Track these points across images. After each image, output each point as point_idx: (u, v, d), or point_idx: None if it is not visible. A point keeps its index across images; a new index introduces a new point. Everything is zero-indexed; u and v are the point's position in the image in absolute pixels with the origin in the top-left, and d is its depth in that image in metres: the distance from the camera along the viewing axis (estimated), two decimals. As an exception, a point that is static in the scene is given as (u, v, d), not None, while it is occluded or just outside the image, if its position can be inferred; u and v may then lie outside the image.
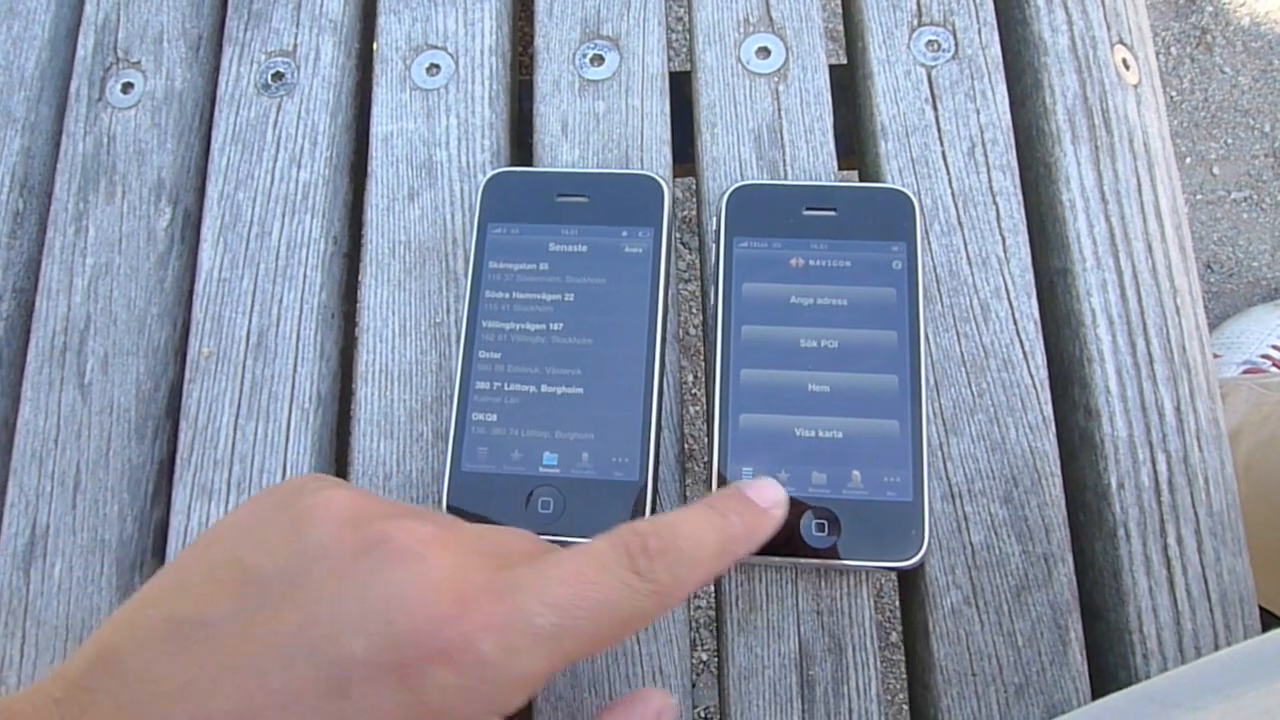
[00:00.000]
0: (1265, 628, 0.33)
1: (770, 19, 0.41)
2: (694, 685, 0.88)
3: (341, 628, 0.22)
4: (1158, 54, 1.04)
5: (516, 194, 0.38)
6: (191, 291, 0.40)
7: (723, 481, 0.34)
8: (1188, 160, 1.01)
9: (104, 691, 0.22)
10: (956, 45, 0.40)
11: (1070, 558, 0.35)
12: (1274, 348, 0.87)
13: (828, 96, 0.40)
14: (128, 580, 0.38)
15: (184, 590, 0.24)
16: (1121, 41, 0.41)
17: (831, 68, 0.41)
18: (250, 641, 0.22)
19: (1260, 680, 0.29)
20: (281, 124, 0.42)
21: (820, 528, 0.33)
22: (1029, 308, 0.37)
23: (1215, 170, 1.01)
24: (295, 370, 0.39)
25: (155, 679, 0.22)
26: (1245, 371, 0.86)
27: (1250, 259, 0.99)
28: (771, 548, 0.34)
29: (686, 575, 0.26)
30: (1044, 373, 0.36)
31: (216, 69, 0.44)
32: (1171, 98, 1.03)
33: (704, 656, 0.88)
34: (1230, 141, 1.01)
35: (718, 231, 0.37)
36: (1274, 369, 0.85)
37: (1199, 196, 1.00)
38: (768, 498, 0.29)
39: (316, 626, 0.22)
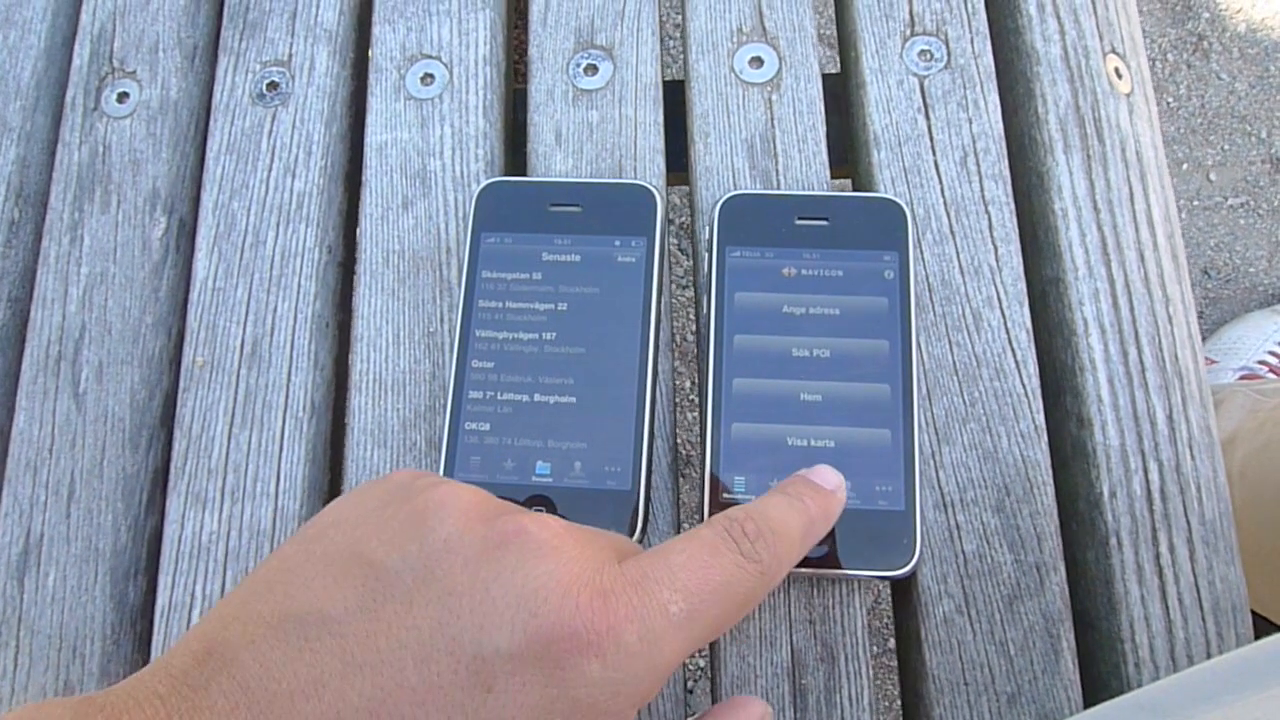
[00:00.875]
0: (1261, 634, 0.33)
1: (763, 29, 0.41)
2: (690, 692, 0.88)
3: (483, 621, 0.22)
4: (1154, 61, 1.04)
5: (510, 203, 0.38)
6: (186, 300, 0.41)
7: (715, 489, 0.34)
8: (1184, 166, 1.01)
9: (217, 689, 0.21)
10: (949, 55, 0.40)
11: (1062, 566, 0.35)
12: (1271, 354, 0.87)
13: (820, 106, 0.40)
14: (121, 589, 0.38)
15: (296, 585, 0.23)
16: (1114, 51, 0.41)
17: (825, 77, 0.41)
18: (380, 638, 0.22)
19: (1252, 688, 0.29)
20: (276, 133, 0.42)
21: (812, 537, 0.33)
22: (1021, 317, 0.37)
23: (1212, 176, 1.01)
24: (289, 379, 0.39)
25: (275, 677, 0.21)
26: (1242, 377, 0.86)
27: (1247, 265, 0.99)
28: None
29: (784, 554, 0.27)
30: (1036, 382, 0.36)
31: (212, 79, 0.44)
32: (1168, 104, 1.03)
33: (700, 664, 0.88)
34: (1227, 148, 1.01)
35: (710, 240, 0.37)
36: (1271, 375, 0.85)
37: (1196, 203, 1.01)
38: (831, 481, 0.30)
39: (456, 620, 0.22)
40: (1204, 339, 0.95)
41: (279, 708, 0.21)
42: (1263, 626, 0.59)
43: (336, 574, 0.23)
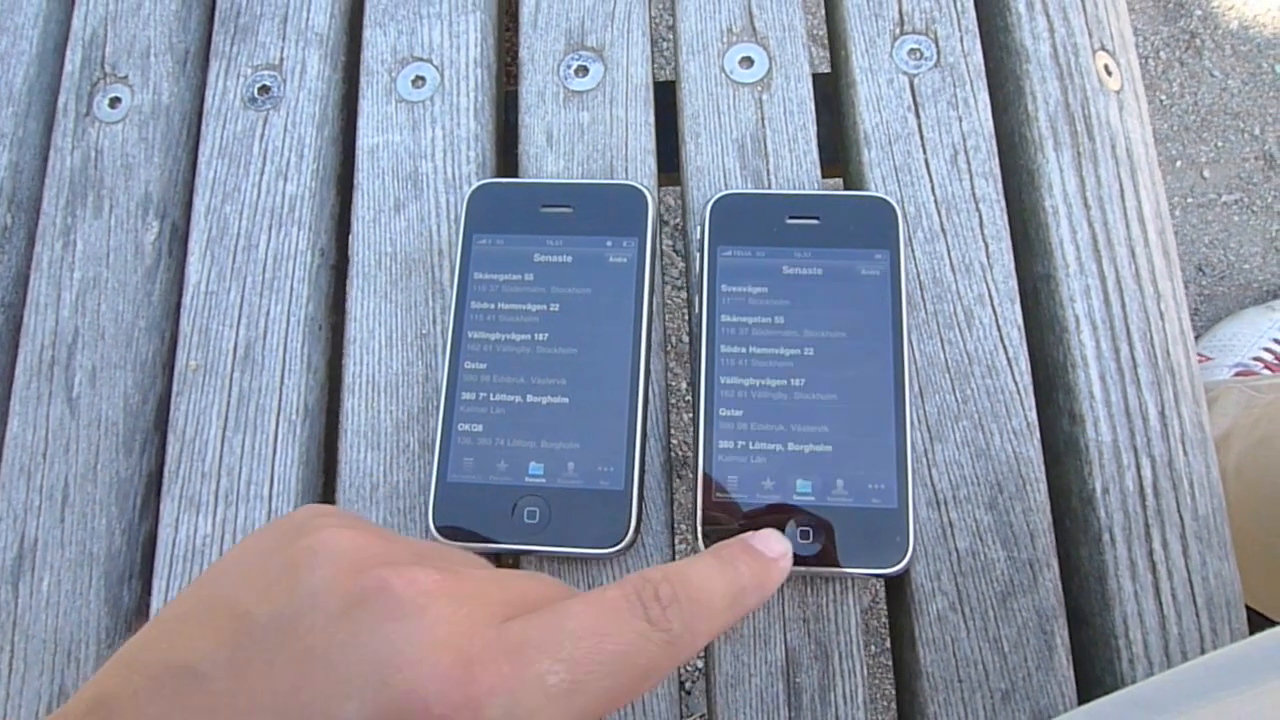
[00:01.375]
0: (1255, 630, 0.33)
1: (753, 29, 0.42)
2: (688, 692, 0.88)
3: (335, 689, 0.21)
4: (1147, 58, 1.04)
5: (501, 205, 0.38)
6: (179, 304, 0.41)
7: (708, 490, 0.34)
8: (1178, 164, 1.02)
9: None
10: (939, 53, 0.41)
11: (1056, 563, 0.35)
12: (1266, 350, 0.87)
13: (811, 105, 0.40)
14: (116, 593, 0.38)
15: (179, 634, 0.23)
16: (1103, 48, 0.41)
17: (815, 76, 0.41)
18: (241, 697, 0.21)
19: (1246, 684, 0.29)
20: (268, 137, 0.42)
21: (805, 535, 0.34)
22: (1012, 314, 0.37)
23: (1206, 173, 1.01)
24: (282, 382, 0.39)
25: None
26: (1237, 374, 0.86)
27: (1241, 261, 0.99)
28: (757, 556, 0.34)
29: (698, 625, 0.24)
30: (1028, 379, 0.36)
31: (203, 83, 0.44)
32: (1161, 101, 1.03)
33: (698, 664, 0.88)
34: (1220, 145, 1.02)
35: (702, 240, 0.37)
36: (1266, 371, 0.85)
37: (1190, 200, 1.01)
38: (774, 549, 0.28)
39: (311, 685, 0.21)
40: (1199, 336, 0.95)
41: None
42: (1257, 622, 0.59)
43: (213, 624, 0.23)
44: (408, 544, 0.25)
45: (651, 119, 0.41)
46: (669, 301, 0.92)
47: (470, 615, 0.22)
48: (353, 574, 0.23)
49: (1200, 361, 0.89)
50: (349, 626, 0.21)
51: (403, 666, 0.21)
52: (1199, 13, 1.05)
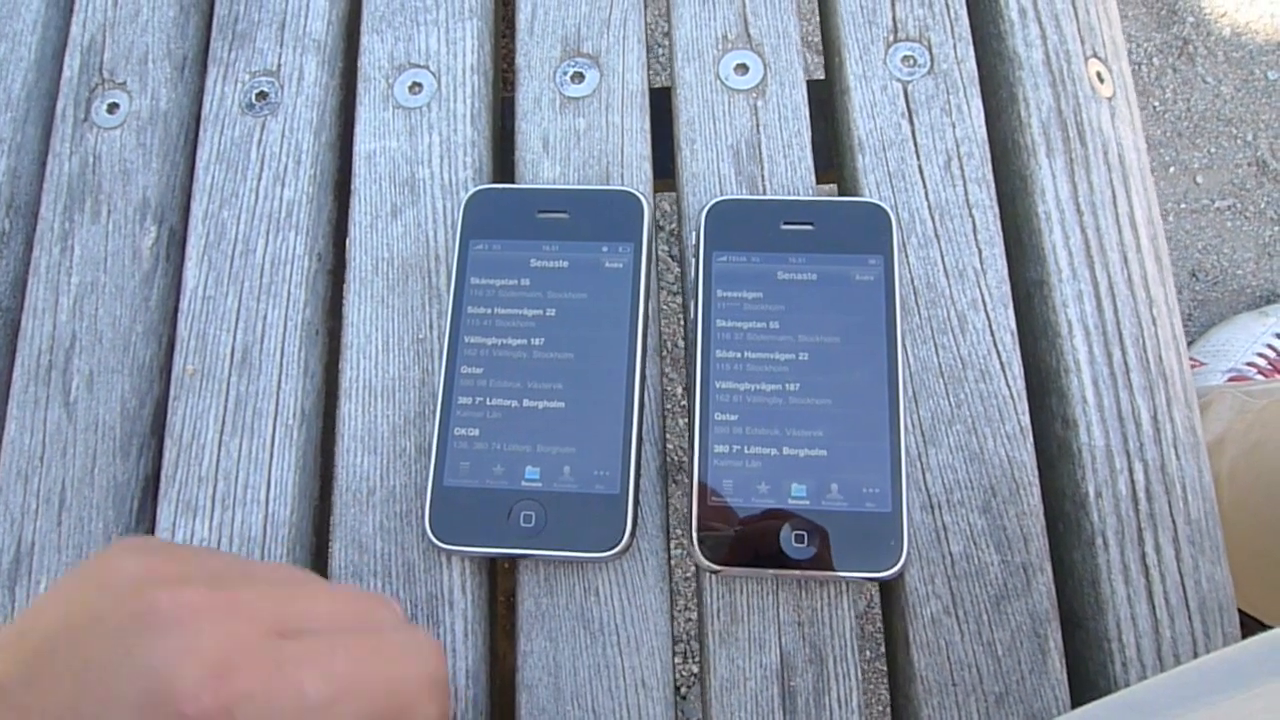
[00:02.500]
0: (1249, 634, 0.33)
1: (748, 36, 0.42)
2: (684, 697, 0.88)
3: (106, 705, 0.22)
4: (1140, 65, 1.05)
5: (498, 210, 0.39)
6: (176, 309, 0.41)
7: (703, 494, 0.35)
8: (1171, 170, 1.02)
9: None
10: (932, 60, 0.41)
11: (1049, 567, 0.35)
12: (1259, 355, 0.87)
13: (805, 112, 0.41)
14: (112, 598, 0.38)
15: (6, 650, 0.24)
16: (1095, 55, 0.41)
17: (810, 83, 0.42)
18: (34, 709, 0.23)
19: (1238, 687, 0.29)
20: (266, 143, 0.42)
21: (800, 539, 0.34)
22: (1006, 319, 0.37)
23: (1199, 179, 1.01)
24: (279, 387, 0.39)
25: None
26: (1231, 379, 0.86)
27: (1235, 267, 0.99)
28: (752, 559, 0.34)
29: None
30: (1021, 383, 0.37)
31: (201, 89, 0.44)
32: (1154, 108, 1.04)
33: (694, 669, 0.88)
34: (1213, 151, 1.02)
35: (697, 246, 0.38)
36: (1259, 376, 0.86)
37: (1183, 205, 1.01)
38: None
39: (85, 702, 0.22)
40: (1192, 341, 0.95)
41: None
42: (1251, 627, 0.60)
43: (18, 646, 0.24)
44: (214, 563, 0.27)
45: (647, 125, 0.41)
46: (665, 307, 0.92)
47: (236, 630, 0.24)
48: (130, 595, 0.24)
49: (1194, 367, 0.89)
50: (122, 643, 0.23)
51: (166, 678, 0.22)
52: (1191, 20, 1.06)
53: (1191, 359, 0.91)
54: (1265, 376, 0.86)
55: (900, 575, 0.34)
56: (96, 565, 0.26)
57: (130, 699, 0.22)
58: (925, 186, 0.39)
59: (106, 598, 0.24)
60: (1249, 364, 0.86)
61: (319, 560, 0.39)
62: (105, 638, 0.23)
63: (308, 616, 0.26)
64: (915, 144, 0.40)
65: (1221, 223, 1.00)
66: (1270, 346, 0.88)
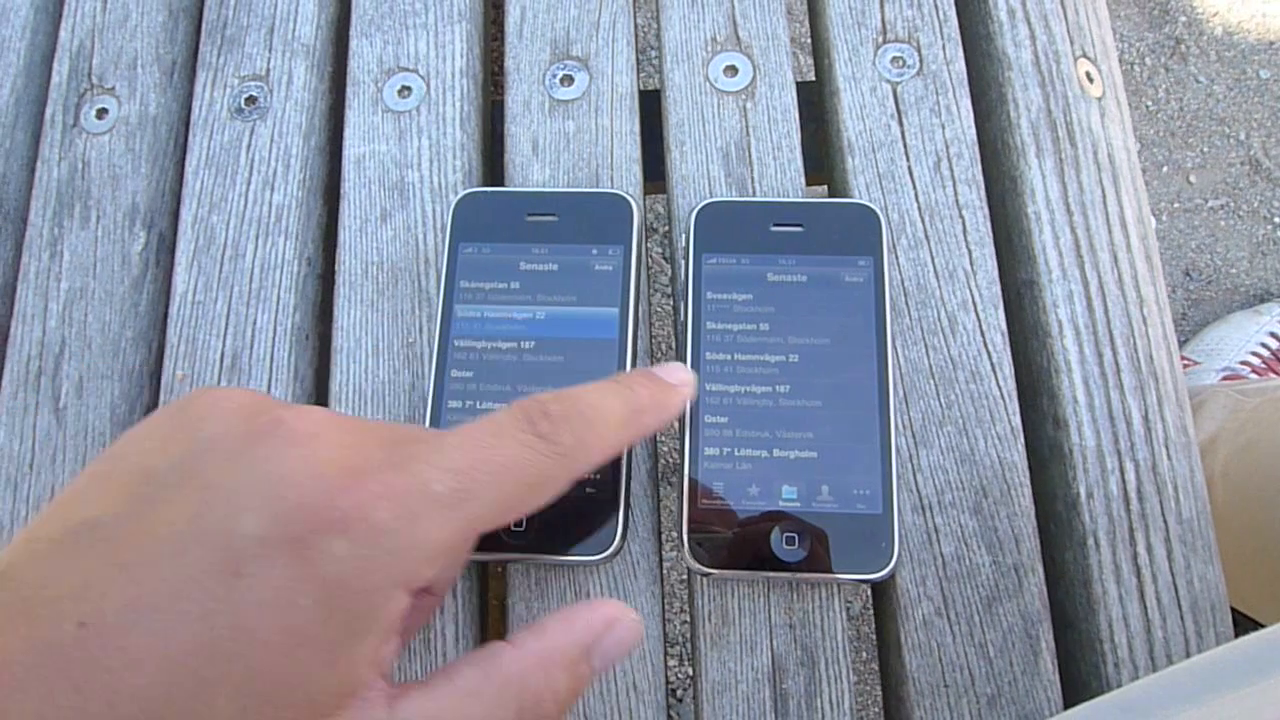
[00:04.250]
0: (1243, 633, 0.33)
1: (737, 38, 0.42)
2: (680, 700, 0.88)
3: (232, 509, 0.22)
4: (1132, 64, 1.05)
5: (487, 214, 0.39)
6: (166, 314, 0.41)
7: (694, 496, 0.34)
8: (1164, 169, 1.02)
9: None
10: (921, 61, 0.41)
11: (1040, 568, 0.35)
12: (1253, 354, 0.87)
13: (795, 114, 0.41)
14: (102, 605, 0.38)
15: (78, 502, 0.24)
16: (1085, 55, 0.41)
17: (799, 85, 0.42)
18: (142, 537, 0.22)
19: (1230, 687, 0.29)
20: (255, 147, 0.42)
21: (790, 541, 0.34)
22: (996, 319, 0.37)
23: (1192, 179, 1.02)
24: (269, 391, 0.39)
25: (50, 584, 0.21)
26: (1224, 378, 0.86)
27: (1228, 266, 0.99)
28: (743, 562, 0.34)
29: (590, 438, 0.26)
30: (1012, 384, 0.37)
31: (190, 94, 0.44)
32: (1147, 107, 1.04)
33: (689, 669, 0.88)
34: (1206, 150, 1.02)
35: (686, 248, 0.37)
36: (1253, 375, 0.86)
37: (1176, 205, 1.01)
38: (675, 376, 0.30)
39: (209, 511, 0.22)
40: (1186, 341, 0.95)
41: (50, 611, 0.21)
42: (1245, 626, 0.60)
43: (111, 485, 0.23)
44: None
45: (637, 128, 0.41)
46: (658, 309, 0.92)
47: (359, 440, 0.24)
48: (248, 417, 0.24)
49: (1187, 366, 0.89)
50: (247, 458, 0.23)
51: (296, 481, 0.22)
52: (1184, 19, 1.06)
53: (1185, 358, 0.91)
54: (1259, 375, 0.86)
55: (891, 577, 0.34)
56: (185, 404, 0.25)
57: (259, 506, 0.22)
58: (915, 188, 0.39)
59: (216, 422, 0.24)
60: (1243, 363, 0.87)
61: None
62: (226, 458, 0.23)
63: (409, 435, 0.25)
64: (905, 145, 0.40)
65: (1215, 222, 1.01)
66: (1264, 345, 0.88)
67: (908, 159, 0.39)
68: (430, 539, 0.23)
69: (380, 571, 0.22)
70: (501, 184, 0.41)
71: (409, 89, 0.42)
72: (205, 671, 0.21)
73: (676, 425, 0.35)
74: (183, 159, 0.43)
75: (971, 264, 0.38)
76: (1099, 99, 0.41)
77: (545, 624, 0.26)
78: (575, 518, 0.35)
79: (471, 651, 0.25)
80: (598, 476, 0.35)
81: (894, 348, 0.37)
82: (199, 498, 0.22)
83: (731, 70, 0.41)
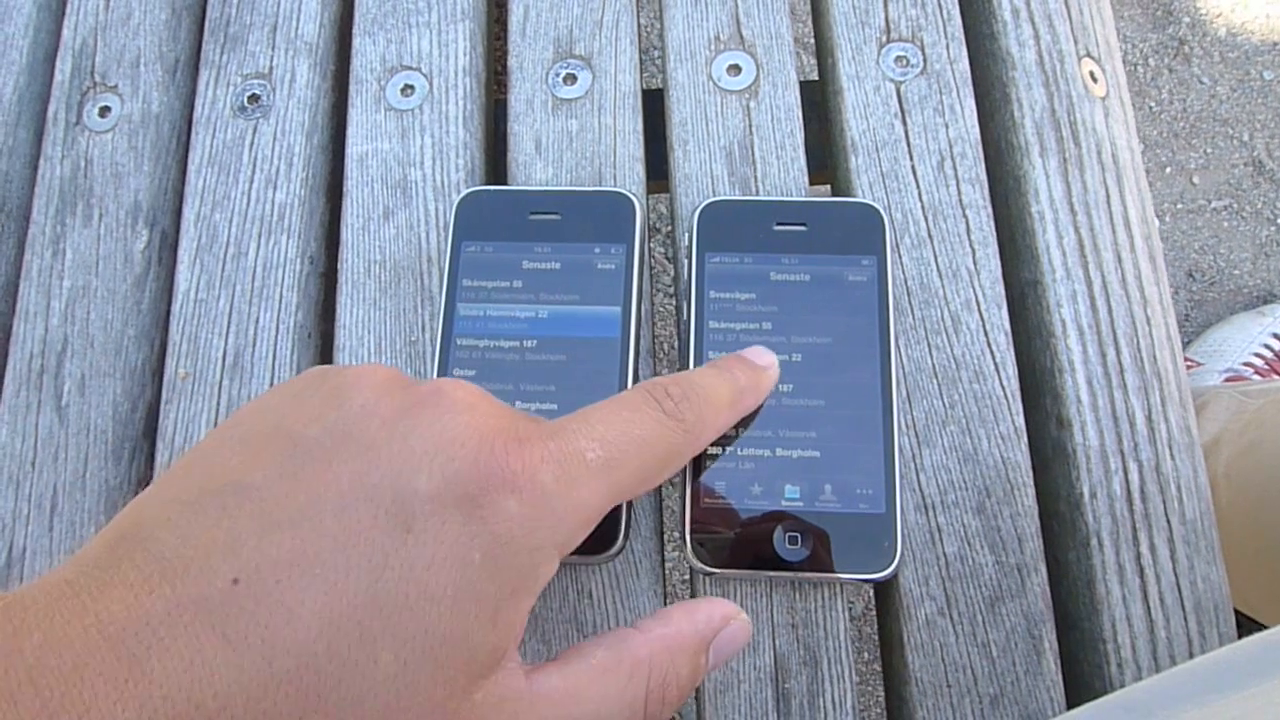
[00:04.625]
0: (1246, 635, 0.33)
1: (741, 37, 0.42)
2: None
3: (401, 468, 0.22)
4: (1136, 65, 1.05)
5: (490, 212, 0.39)
6: (168, 313, 0.41)
7: (696, 495, 0.34)
8: (1168, 170, 1.02)
9: (129, 564, 0.21)
10: (925, 61, 0.41)
11: (1043, 567, 0.35)
12: (1256, 355, 0.87)
13: (798, 113, 0.40)
14: (104, 603, 0.37)
15: (214, 465, 0.23)
16: (1089, 54, 0.41)
17: (803, 84, 0.42)
18: (300, 495, 0.22)
19: (1233, 688, 0.29)
20: (258, 146, 0.42)
21: (793, 540, 0.34)
22: (1000, 319, 0.37)
23: (1195, 180, 1.01)
24: (271, 390, 0.39)
25: (191, 544, 0.21)
26: (1228, 379, 0.86)
27: (1231, 267, 0.99)
28: (746, 561, 0.34)
29: (709, 415, 0.29)
30: (1015, 384, 0.37)
31: (193, 92, 0.44)
32: (1150, 108, 1.04)
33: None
34: (1210, 151, 1.02)
35: (689, 247, 0.37)
36: (1256, 376, 0.86)
37: (1179, 206, 1.01)
38: (764, 360, 0.33)
39: (375, 470, 0.22)
40: (1189, 342, 0.95)
41: (195, 569, 0.21)
42: (1249, 627, 0.60)
43: (255, 450, 0.23)
44: None
45: (640, 126, 0.41)
46: (661, 308, 0.92)
47: (513, 413, 0.25)
48: (401, 388, 0.25)
49: (1191, 367, 0.89)
50: (409, 422, 0.24)
51: (466, 444, 0.23)
52: (1187, 20, 1.06)
53: (1188, 359, 0.91)
54: (1262, 376, 0.86)
55: (894, 577, 0.34)
56: (321, 377, 0.26)
57: (430, 465, 0.22)
58: (919, 187, 0.39)
59: (368, 394, 0.24)
60: (1246, 364, 0.86)
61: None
62: (385, 423, 0.23)
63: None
64: (908, 144, 0.40)
65: (1218, 223, 1.00)
66: (1267, 346, 0.88)
67: (911, 158, 0.39)
68: (588, 503, 0.24)
69: (545, 531, 0.23)
70: (504, 183, 0.41)
71: (412, 87, 0.42)
72: (371, 625, 0.21)
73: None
74: (185, 157, 0.43)
75: (975, 263, 0.38)
76: (1103, 99, 0.41)
77: (670, 613, 0.27)
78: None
79: (600, 634, 0.26)
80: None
81: (897, 347, 0.37)
82: (363, 459, 0.23)
83: (735, 69, 0.41)
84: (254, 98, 0.43)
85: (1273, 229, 1.00)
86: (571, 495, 0.24)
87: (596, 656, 0.25)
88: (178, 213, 0.42)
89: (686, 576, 0.87)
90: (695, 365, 0.36)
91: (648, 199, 0.41)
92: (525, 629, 0.25)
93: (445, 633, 0.22)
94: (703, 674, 0.27)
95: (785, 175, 0.40)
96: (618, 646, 0.25)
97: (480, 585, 0.22)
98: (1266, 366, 0.87)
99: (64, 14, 0.46)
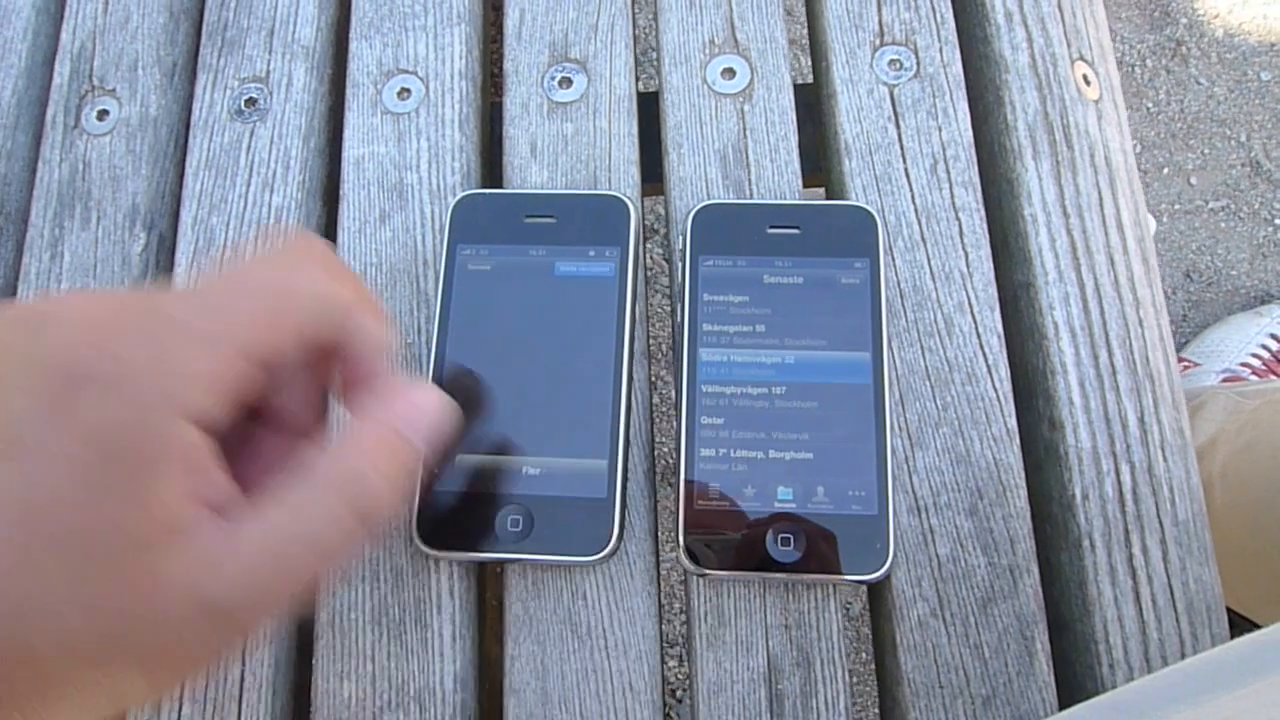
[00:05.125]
0: (1240, 634, 0.33)
1: (735, 40, 0.42)
2: (680, 700, 0.88)
3: (3, 397, 0.22)
4: (1133, 66, 1.05)
5: (485, 215, 0.39)
6: (166, 316, 0.41)
7: (690, 497, 0.35)
8: (1165, 171, 1.02)
9: None
10: (918, 64, 0.41)
11: (1036, 569, 0.35)
12: (1253, 355, 0.87)
13: (792, 116, 0.41)
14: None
15: None
16: (1082, 58, 0.42)
17: (797, 87, 0.42)
18: None
19: (1225, 688, 0.29)
20: (255, 149, 0.42)
21: (786, 542, 0.34)
22: (992, 321, 0.37)
23: (1193, 180, 1.02)
24: (268, 393, 0.39)
25: None
26: (1225, 380, 0.86)
27: (1229, 268, 0.99)
28: (739, 563, 0.34)
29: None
30: (1008, 386, 0.37)
31: (191, 96, 0.44)
32: (1148, 109, 1.04)
33: (685, 670, 0.88)
34: (1207, 152, 1.02)
35: (684, 250, 0.38)
36: (1253, 377, 0.86)
37: (1177, 206, 1.01)
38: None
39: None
40: (1186, 342, 0.95)
41: None
42: (1244, 628, 0.60)
43: None
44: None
45: (635, 130, 0.41)
46: (657, 310, 0.92)
47: (117, 302, 0.24)
48: (20, 318, 0.24)
49: (1188, 367, 0.89)
50: (12, 353, 0.23)
51: (50, 353, 0.23)
52: (1185, 21, 1.06)
53: (1185, 360, 0.91)
54: (1259, 377, 0.86)
55: (887, 578, 0.34)
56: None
57: (26, 388, 0.22)
58: (912, 190, 0.39)
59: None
60: (1243, 364, 0.87)
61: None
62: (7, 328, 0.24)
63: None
64: (902, 147, 0.40)
65: (1215, 224, 1.01)
66: (1264, 347, 0.88)
67: (904, 161, 0.40)
68: (190, 367, 0.23)
69: (138, 405, 0.23)
70: (500, 186, 0.41)
71: (408, 91, 0.43)
72: (24, 541, 0.21)
73: (675, 425, 0.35)
74: (183, 160, 0.43)
75: (968, 266, 0.38)
76: (1096, 101, 0.41)
77: (349, 432, 0.26)
78: (571, 518, 0.35)
79: (288, 471, 0.25)
80: (592, 477, 0.35)
81: (890, 349, 0.37)
82: None
83: (729, 73, 0.41)
84: (251, 101, 0.43)
85: (1270, 229, 1.00)
86: (165, 361, 0.23)
87: (288, 490, 0.24)
88: (175, 215, 0.43)
89: (683, 578, 0.87)
90: (689, 366, 0.36)
91: (643, 202, 0.41)
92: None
93: (93, 528, 0.22)
94: (407, 455, 0.26)
95: (779, 178, 0.40)
96: (305, 473, 0.25)
97: (98, 476, 0.22)
98: (1264, 367, 0.87)
99: (63, 18, 0.46)
